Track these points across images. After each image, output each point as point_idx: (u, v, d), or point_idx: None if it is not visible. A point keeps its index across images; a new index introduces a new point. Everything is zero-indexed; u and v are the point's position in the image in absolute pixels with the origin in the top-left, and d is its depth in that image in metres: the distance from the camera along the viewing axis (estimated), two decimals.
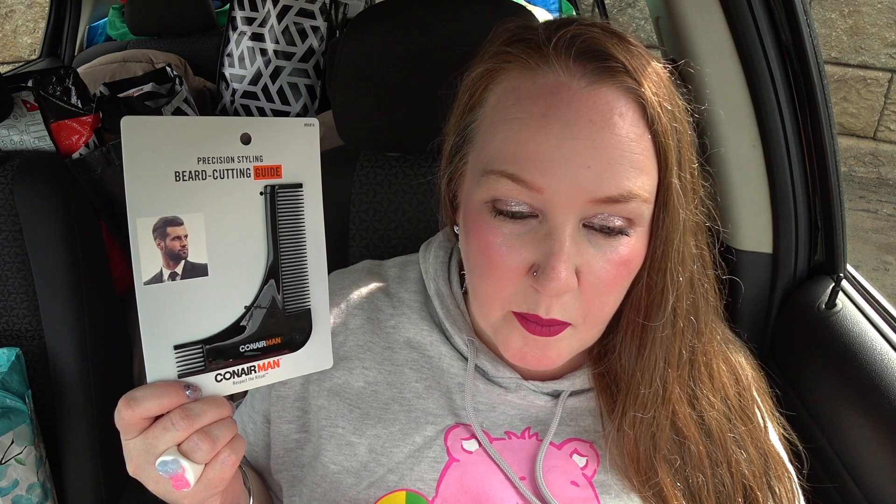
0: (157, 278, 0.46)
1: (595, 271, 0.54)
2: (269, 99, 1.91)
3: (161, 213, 0.46)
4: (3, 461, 0.96)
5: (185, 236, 0.47)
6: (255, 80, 1.92)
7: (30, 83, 1.19)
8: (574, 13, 2.83)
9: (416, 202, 0.95)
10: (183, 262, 0.47)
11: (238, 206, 0.49)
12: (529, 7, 1.33)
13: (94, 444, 1.11)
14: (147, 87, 1.54)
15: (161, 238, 0.46)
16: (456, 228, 0.65)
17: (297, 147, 0.50)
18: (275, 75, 1.90)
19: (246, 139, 0.48)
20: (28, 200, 1.06)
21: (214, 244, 0.48)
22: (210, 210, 0.47)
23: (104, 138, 1.25)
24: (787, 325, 0.92)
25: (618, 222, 0.54)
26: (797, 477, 0.65)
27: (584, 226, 0.54)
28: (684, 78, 0.87)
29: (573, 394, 0.64)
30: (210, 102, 2.06)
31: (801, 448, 0.68)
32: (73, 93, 1.28)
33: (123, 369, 1.22)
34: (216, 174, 0.47)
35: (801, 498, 0.66)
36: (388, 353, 0.66)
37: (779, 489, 0.62)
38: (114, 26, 2.38)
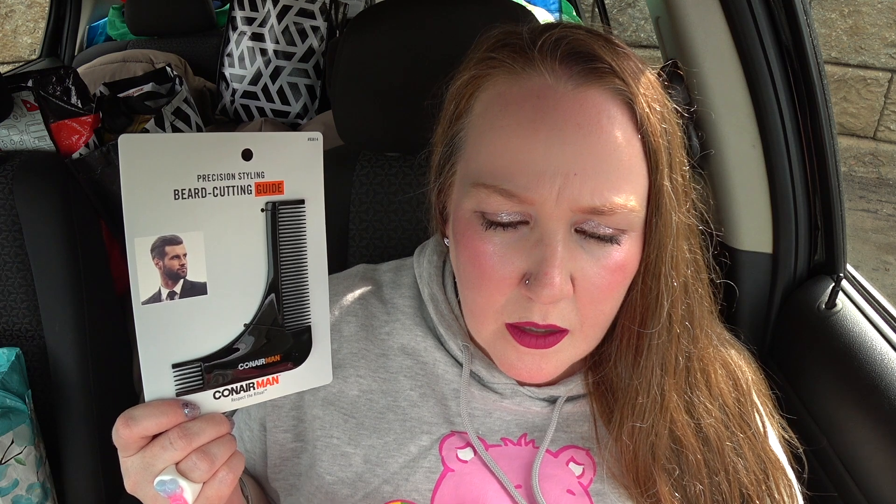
0: (156, 298, 0.45)
1: (590, 278, 0.53)
2: (269, 99, 1.91)
3: (159, 233, 0.45)
4: (3, 461, 0.96)
5: (184, 255, 0.46)
6: (255, 80, 1.92)
7: (30, 83, 1.19)
8: (574, 13, 2.82)
9: (417, 202, 0.95)
10: (182, 281, 0.46)
11: (239, 223, 0.48)
12: (529, 7, 1.33)
13: (94, 444, 1.11)
14: (147, 87, 1.54)
15: (159, 257, 0.45)
16: (446, 240, 0.64)
17: (299, 162, 0.49)
18: (275, 75, 1.90)
19: (247, 155, 0.47)
20: (28, 200, 1.06)
21: (214, 262, 0.47)
22: (210, 228, 0.46)
23: (104, 138, 1.25)
24: (787, 325, 0.92)
25: (608, 231, 0.53)
26: (797, 481, 0.65)
27: (577, 231, 0.53)
28: (683, 78, 0.88)
29: (569, 399, 0.63)
30: (210, 102, 2.06)
31: (800, 450, 0.68)
32: (73, 93, 1.28)
33: (123, 369, 1.22)
34: (216, 191, 0.46)
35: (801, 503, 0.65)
36: (382, 361, 0.65)
37: (778, 496, 0.62)
38: (114, 26, 2.38)
